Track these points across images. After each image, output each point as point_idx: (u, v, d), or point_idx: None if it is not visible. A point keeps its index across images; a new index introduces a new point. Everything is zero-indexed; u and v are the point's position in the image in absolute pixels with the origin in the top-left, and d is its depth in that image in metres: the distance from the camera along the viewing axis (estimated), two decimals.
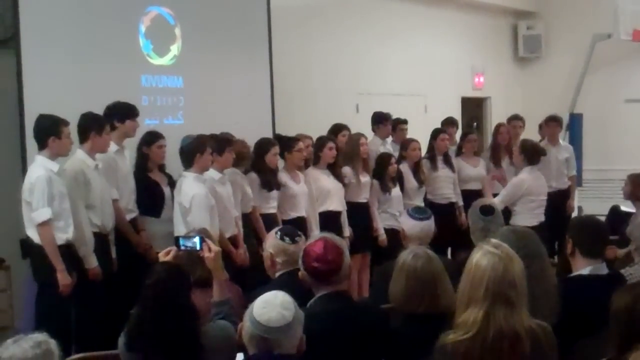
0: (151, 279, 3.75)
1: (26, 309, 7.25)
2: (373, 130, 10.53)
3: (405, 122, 10.88)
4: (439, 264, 4.46)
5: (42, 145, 6.66)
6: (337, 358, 4.03)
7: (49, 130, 6.64)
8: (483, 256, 3.59)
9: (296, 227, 7.20)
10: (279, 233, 4.95)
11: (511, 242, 4.14)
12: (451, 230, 9.48)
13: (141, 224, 7.72)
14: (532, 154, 9.08)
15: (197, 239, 4.33)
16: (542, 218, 9.06)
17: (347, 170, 9.15)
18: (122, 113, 7.56)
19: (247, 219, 8.14)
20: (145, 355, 3.67)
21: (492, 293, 3.50)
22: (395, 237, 8.68)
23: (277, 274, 4.87)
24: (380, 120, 10.55)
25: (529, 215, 8.83)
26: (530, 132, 11.96)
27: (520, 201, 8.89)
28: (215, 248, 4.33)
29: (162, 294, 3.68)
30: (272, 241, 4.94)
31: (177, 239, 4.46)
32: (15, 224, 7.16)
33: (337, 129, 9.77)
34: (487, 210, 5.96)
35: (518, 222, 8.33)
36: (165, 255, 4.27)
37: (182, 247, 4.32)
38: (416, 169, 9.88)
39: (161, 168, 7.92)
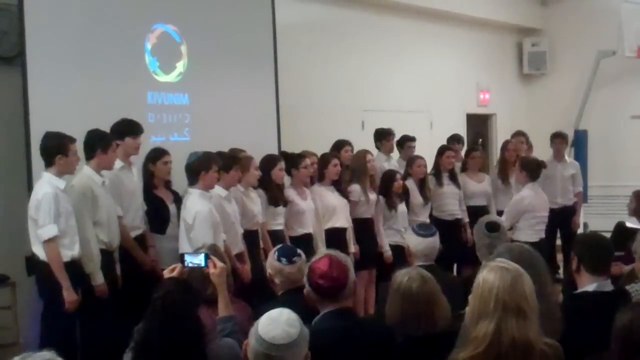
0: (159, 292, 3.75)
1: (31, 326, 7.25)
2: (377, 146, 10.56)
3: (413, 139, 10.90)
4: (434, 285, 4.44)
5: (48, 162, 6.67)
6: None
7: (56, 147, 6.65)
8: (490, 271, 3.57)
9: (303, 244, 7.25)
10: (276, 253, 4.95)
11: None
12: (457, 247, 9.49)
13: (150, 240, 7.72)
14: (534, 170, 9.13)
15: (202, 256, 4.35)
16: (543, 235, 9.10)
17: (355, 187, 9.15)
18: (121, 130, 7.55)
19: (251, 235, 8.11)
20: None
21: (503, 303, 3.46)
22: (401, 253, 8.69)
23: (280, 293, 4.87)
24: (383, 136, 10.60)
25: (531, 232, 8.88)
26: (536, 149, 11.97)
27: (522, 217, 8.93)
28: (220, 264, 4.35)
29: (170, 307, 3.67)
30: (270, 261, 4.95)
31: (182, 255, 4.47)
32: (20, 241, 7.19)
33: (339, 145, 9.79)
34: (493, 227, 5.96)
35: (519, 238, 8.38)
36: (170, 272, 4.28)
37: (188, 264, 4.33)
38: (422, 185, 9.88)
39: (167, 185, 7.92)
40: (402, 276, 4.46)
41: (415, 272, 4.50)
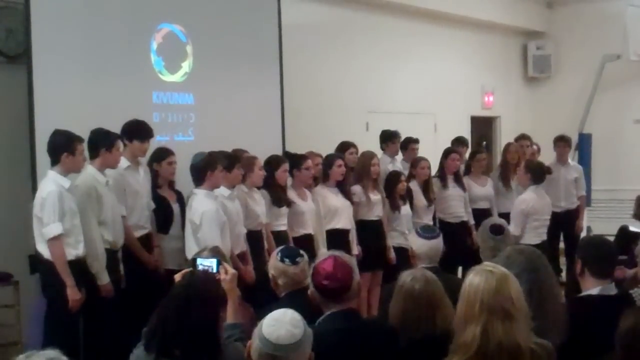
0: (184, 280, 3.80)
1: (34, 325, 7.25)
2: (382, 148, 10.55)
3: (416, 141, 10.90)
4: (438, 287, 4.45)
5: (55, 160, 6.68)
6: None
7: (63, 146, 6.66)
8: (475, 275, 3.62)
9: (303, 245, 7.23)
10: (279, 254, 4.91)
11: (517, 263, 4.16)
12: (462, 249, 9.46)
13: (155, 240, 7.72)
14: (538, 173, 9.07)
15: (214, 261, 4.34)
16: (544, 237, 9.02)
17: (356, 188, 9.16)
18: (130, 132, 7.56)
19: (255, 235, 8.12)
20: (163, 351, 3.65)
21: (488, 306, 3.49)
22: (405, 255, 8.68)
23: (283, 294, 4.86)
24: (388, 138, 10.58)
25: (533, 234, 8.82)
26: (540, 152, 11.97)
27: (534, 221, 8.86)
28: (231, 270, 4.35)
29: (194, 295, 3.68)
30: (273, 262, 4.91)
31: (194, 260, 4.46)
32: (23, 239, 7.20)
33: (344, 147, 9.80)
34: (497, 230, 5.96)
35: (521, 240, 8.32)
36: (182, 276, 4.27)
37: (200, 268, 4.33)
38: (425, 188, 9.89)
39: (171, 185, 7.92)
40: (406, 276, 4.48)
41: (421, 273, 4.52)
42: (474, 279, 3.59)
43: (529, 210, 8.87)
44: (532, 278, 4.09)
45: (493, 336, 3.45)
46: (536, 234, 8.88)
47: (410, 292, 4.37)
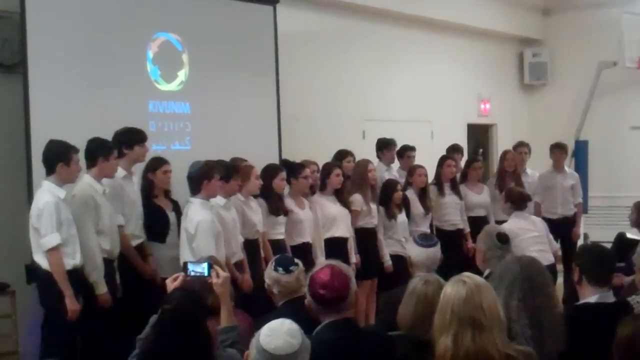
0: (170, 304, 3.66)
1: (30, 335, 7.23)
2: (378, 156, 10.55)
3: (413, 149, 10.89)
4: None
5: (50, 170, 6.65)
6: None
7: (59, 156, 6.64)
8: (449, 285, 3.67)
9: (302, 253, 7.22)
10: (273, 263, 4.93)
11: (515, 272, 4.17)
12: (458, 257, 9.44)
13: (148, 249, 7.70)
14: (519, 201, 8.83)
15: (205, 265, 4.32)
16: (551, 258, 8.64)
17: (357, 197, 9.15)
18: (129, 139, 7.55)
19: (252, 244, 8.10)
20: None
21: (458, 316, 3.53)
22: (401, 263, 8.67)
23: (279, 303, 4.85)
24: (384, 146, 10.59)
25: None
26: (536, 159, 11.97)
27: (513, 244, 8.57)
28: (223, 274, 4.32)
29: (181, 322, 3.54)
30: (268, 271, 4.93)
31: (185, 264, 4.44)
32: (20, 249, 7.19)
33: (341, 155, 9.80)
34: (504, 238, 5.96)
35: None
36: (173, 281, 4.24)
37: (191, 273, 4.30)
38: (422, 195, 9.89)
39: (166, 194, 7.90)
40: (418, 280, 4.50)
41: (433, 277, 4.54)
42: (447, 289, 3.65)
43: (510, 234, 8.56)
44: (526, 286, 4.11)
45: (462, 344, 3.50)
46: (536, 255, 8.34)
47: (423, 295, 4.38)
